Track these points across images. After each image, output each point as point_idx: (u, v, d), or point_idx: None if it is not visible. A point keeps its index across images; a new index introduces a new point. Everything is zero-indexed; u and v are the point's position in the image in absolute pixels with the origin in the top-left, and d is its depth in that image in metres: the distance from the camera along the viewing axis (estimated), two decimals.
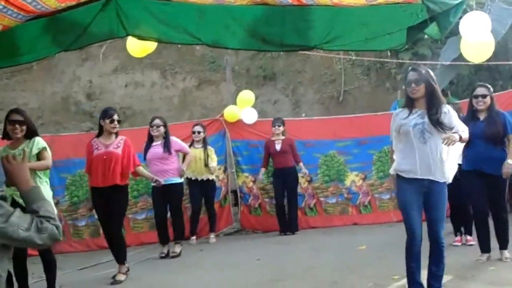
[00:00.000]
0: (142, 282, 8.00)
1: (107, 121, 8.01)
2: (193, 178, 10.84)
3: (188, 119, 14.56)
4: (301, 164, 11.31)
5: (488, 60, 8.38)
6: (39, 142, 6.77)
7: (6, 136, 6.75)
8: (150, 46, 7.55)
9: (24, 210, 6.24)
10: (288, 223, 11.25)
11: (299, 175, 11.46)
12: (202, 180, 10.86)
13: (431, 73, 5.81)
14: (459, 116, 6.24)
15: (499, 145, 7.15)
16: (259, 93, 14.85)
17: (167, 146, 9.58)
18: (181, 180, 9.83)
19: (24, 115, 6.74)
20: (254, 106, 12.14)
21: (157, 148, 9.63)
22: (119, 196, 8.08)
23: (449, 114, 5.69)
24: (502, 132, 7.13)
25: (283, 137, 11.32)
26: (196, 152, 10.77)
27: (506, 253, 7.30)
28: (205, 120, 12.03)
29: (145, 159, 9.72)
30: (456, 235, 8.77)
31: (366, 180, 11.85)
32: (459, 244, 8.61)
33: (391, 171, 5.97)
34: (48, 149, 6.88)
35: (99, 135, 8.20)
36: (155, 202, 9.81)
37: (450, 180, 5.76)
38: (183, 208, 11.13)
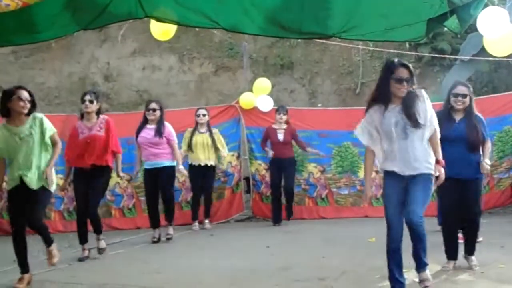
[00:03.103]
0: (149, 265, 8.02)
1: (81, 102, 8.29)
2: (194, 164, 10.89)
3: (204, 104, 14.51)
4: (308, 148, 11.30)
5: (508, 57, 8.25)
6: (48, 123, 6.75)
7: (5, 113, 6.69)
8: (172, 29, 7.56)
9: (28, 190, 6.35)
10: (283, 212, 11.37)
11: (312, 165, 11.48)
12: (205, 165, 10.90)
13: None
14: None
15: (476, 150, 6.82)
16: (275, 82, 14.81)
17: (159, 131, 9.58)
18: (173, 163, 9.78)
19: (30, 92, 6.74)
20: (270, 95, 12.11)
21: (150, 131, 9.63)
22: (100, 178, 8.27)
23: (424, 102, 5.55)
24: (481, 137, 6.84)
25: (285, 126, 11.22)
26: (204, 137, 10.83)
27: (474, 259, 6.94)
28: (220, 106, 12.06)
29: (137, 140, 9.76)
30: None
31: (379, 173, 11.76)
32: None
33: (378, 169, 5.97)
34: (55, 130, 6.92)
35: (82, 117, 8.37)
36: (146, 187, 9.86)
37: (433, 172, 5.68)
38: (186, 190, 11.36)
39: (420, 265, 5.75)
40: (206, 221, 11.21)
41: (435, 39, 13.96)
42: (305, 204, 11.72)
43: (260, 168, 12.05)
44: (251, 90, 12.13)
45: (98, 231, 8.41)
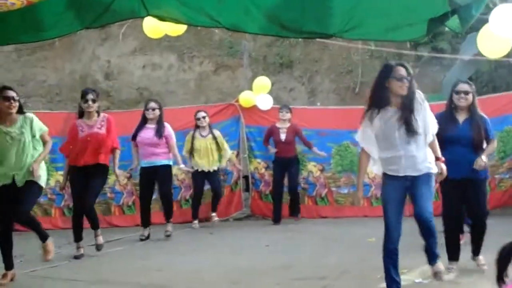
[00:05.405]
0: (149, 262, 8.08)
1: (82, 101, 8.24)
2: (198, 170, 10.88)
3: (204, 103, 14.55)
4: (314, 148, 11.30)
5: (508, 56, 8.24)
6: (37, 123, 6.81)
7: None
8: (165, 28, 7.57)
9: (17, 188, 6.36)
10: (290, 210, 11.37)
11: (312, 164, 11.51)
12: (208, 171, 10.93)
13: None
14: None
15: (480, 150, 6.75)
16: (275, 80, 14.83)
17: (159, 132, 9.61)
18: (170, 162, 9.84)
19: (15, 91, 6.78)
20: (269, 93, 12.10)
21: (149, 131, 9.65)
22: (100, 175, 8.35)
23: (423, 108, 5.55)
24: (484, 138, 6.80)
25: (288, 125, 11.22)
26: (207, 142, 10.85)
27: (481, 259, 6.86)
28: (220, 105, 12.07)
29: (133, 139, 9.78)
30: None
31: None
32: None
33: (376, 171, 5.98)
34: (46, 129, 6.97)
35: (81, 116, 8.36)
36: (141, 184, 9.90)
37: (434, 169, 5.68)
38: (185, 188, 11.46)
39: (433, 258, 5.80)
40: (213, 214, 11.19)
41: (435, 39, 13.96)
42: (304, 203, 11.72)
43: (259, 167, 12.06)
44: (250, 89, 12.14)
45: (95, 226, 8.43)
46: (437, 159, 5.77)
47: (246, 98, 11.88)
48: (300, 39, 15.07)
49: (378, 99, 5.66)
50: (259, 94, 11.85)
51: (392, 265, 5.72)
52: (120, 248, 8.68)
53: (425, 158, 5.62)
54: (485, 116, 6.95)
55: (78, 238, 8.42)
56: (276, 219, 11.29)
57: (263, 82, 12.03)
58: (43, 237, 6.88)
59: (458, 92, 6.81)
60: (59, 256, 6.97)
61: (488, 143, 6.87)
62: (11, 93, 6.64)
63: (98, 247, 8.43)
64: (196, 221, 10.94)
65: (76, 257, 8.19)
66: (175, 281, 6.99)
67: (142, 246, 9.02)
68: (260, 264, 7.76)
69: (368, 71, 15.53)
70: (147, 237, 9.77)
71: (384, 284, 5.82)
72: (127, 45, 16.64)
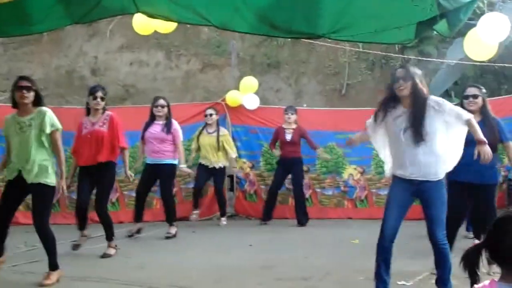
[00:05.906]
0: (132, 260, 8.08)
1: (91, 98, 8.18)
2: (203, 163, 10.99)
3: (190, 101, 14.56)
4: (319, 150, 11.36)
5: (493, 62, 8.29)
6: (51, 118, 6.65)
7: (15, 104, 6.68)
8: (155, 25, 7.57)
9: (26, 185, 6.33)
10: (298, 215, 11.21)
11: (315, 163, 11.60)
12: (214, 167, 11.01)
13: (418, 72, 5.76)
14: None
15: (493, 153, 6.52)
16: (262, 81, 14.81)
17: (167, 126, 9.62)
18: (175, 161, 9.83)
19: (31, 81, 6.70)
20: (256, 93, 12.11)
21: (157, 127, 9.66)
22: (104, 174, 8.25)
23: (442, 108, 5.58)
24: (498, 140, 6.79)
25: (295, 126, 11.25)
26: (211, 139, 10.93)
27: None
28: (206, 103, 12.03)
29: (142, 137, 9.78)
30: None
31: (364, 175, 11.82)
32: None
33: (387, 172, 6.00)
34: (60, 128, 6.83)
35: (88, 113, 8.33)
36: (142, 178, 9.89)
37: (441, 176, 5.68)
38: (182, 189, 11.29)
39: None
40: (223, 219, 11.29)
41: (422, 43, 13.99)
42: (288, 203, 11.73)
43: (245, 166, 12.07)
44: (237, 88, 12.13)
45: (108, 236, 8.42)
46: (480, 142, 5.71)
47: (232, 98, 11.88)
48: (287, 40, 15.12)
49: (386, 101, 5.83)
50: (246, 94, 11.85)
51: (383, 263, 5.70)
52: (103, 244, 8.60)
53: (435, 164, 5.60)
54: (497, 118, 6.97)
55: (81, 227, 8.45)
56: (266, 218, 11.29)
57: (250, 82, 12.03)
58: (52, 265, 6.73)
59: (467, 97, 6.83)
60: (42, 251, 6.89)
61: (508, 146, 6.91)
62: (25, 83, 6.57)
63: (105, 255, 8.25)
64: (196, 211, 11.03)
65: (74, 246, 8.38)
66: (157, 280, 6.95)
67: (125, 243, 8.99)
68: (244, 263, 7.77)
69: (355, 73, 15.61)
70: (137, 232, 9.80)
71: (368, 285, 5.83)
72: (114, 42, 16.60)
